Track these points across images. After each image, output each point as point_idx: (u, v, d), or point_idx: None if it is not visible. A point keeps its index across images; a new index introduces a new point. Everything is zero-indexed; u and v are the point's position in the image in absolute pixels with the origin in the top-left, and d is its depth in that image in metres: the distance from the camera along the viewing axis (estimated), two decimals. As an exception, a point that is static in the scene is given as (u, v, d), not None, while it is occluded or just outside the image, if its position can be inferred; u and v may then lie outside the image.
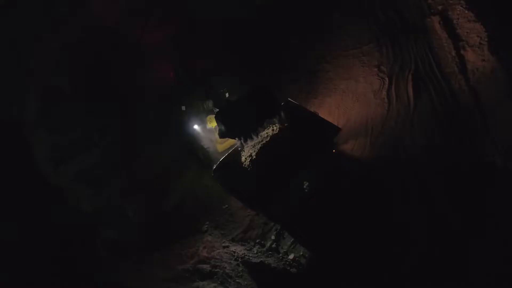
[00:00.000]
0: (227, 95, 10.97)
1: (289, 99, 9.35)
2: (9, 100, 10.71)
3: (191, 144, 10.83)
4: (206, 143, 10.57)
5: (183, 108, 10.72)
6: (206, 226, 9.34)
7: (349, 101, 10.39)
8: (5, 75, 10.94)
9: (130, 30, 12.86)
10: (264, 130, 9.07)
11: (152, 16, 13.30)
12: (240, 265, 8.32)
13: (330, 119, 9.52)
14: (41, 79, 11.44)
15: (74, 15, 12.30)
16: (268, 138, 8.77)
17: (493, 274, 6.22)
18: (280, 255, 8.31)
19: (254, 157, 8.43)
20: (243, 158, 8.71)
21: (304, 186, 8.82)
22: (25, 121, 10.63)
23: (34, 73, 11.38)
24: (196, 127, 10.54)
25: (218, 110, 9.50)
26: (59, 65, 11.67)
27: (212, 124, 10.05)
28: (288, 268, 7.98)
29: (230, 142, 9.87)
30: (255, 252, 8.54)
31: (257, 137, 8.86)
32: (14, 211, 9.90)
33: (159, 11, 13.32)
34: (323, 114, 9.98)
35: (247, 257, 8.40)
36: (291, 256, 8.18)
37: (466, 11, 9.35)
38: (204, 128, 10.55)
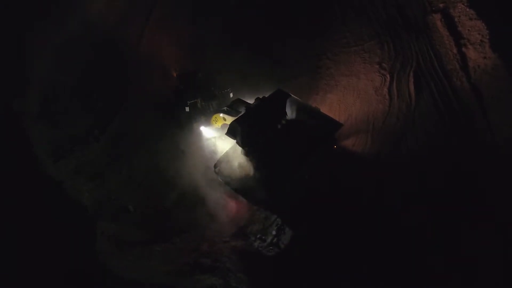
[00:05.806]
0: (231, 95, 11.00)
1: (290, 94, 9.36)
2: (10, 94, 10.66)
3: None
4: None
5: (187, 109, 10.78)
6: (207, 220, 9.33)
7: (351, 98, 10.41)
8: (7, 69, 10.88)
9: (131, 29, 12.87)
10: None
11: (152, 15, 13.34)
12: (241, 259, 8.33)
13: (331, 115, 9.54)
14: (43, 74, 11.40)
15: (75, 12, 12.31)
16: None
17: (497, 274, 6.22)
18: (281, 249, 8.32)
19: (259, 152, 8.45)
20: (242, 154, 8.74)
21: (306, 178, 8.82)
22: (26, 115, 10.58)
23: (36, 68, 11.33)
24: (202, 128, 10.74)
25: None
26: (61, 60, 11.64)
27: (218, 123, 10.07)
28: (288, 262, 7.98)
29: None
30: (256, 247, 8.54)
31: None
32: (13, 206, 9.86)
33: (159, 11, 13.34)
34: (325, 110, 9.96)
35: (247, 252, 8.42)
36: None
37: (468, 9, 9.37)
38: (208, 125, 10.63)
